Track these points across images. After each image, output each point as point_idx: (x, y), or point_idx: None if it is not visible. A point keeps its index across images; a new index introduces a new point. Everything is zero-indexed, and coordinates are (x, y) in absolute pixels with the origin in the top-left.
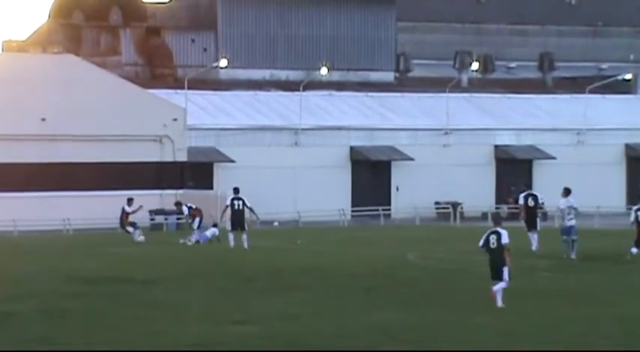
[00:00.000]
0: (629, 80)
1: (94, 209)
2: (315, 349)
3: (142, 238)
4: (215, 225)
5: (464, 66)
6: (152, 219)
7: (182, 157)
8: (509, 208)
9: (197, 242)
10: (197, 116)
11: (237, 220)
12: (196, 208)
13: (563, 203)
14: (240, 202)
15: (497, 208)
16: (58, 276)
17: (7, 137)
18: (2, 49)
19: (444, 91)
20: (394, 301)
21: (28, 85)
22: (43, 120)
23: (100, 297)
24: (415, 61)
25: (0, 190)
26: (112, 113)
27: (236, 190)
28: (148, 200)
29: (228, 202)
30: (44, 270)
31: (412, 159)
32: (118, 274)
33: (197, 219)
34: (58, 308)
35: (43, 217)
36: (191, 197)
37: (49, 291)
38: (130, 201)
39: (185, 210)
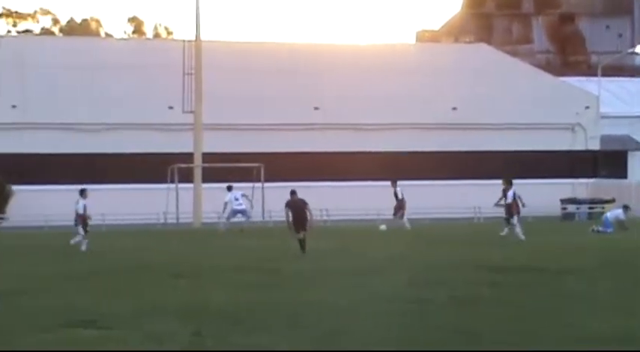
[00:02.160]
0: None
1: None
2: None
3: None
4: (626, 207)
5: None
6: (564, 208)
7: (594, 146)
8: None
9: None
10: (610, 104)
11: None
12: None
13: None
14: None
15: None
16: (469, 264)
17: (417, 126)
18: (416, 39)
19: None
20: None
21: (441, 75)
22: (454, 109)
23: (511, 286)
24: None
25: (411, 178)
26: (524, 102)
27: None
28: (559, 189)
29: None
30: (455, 258)
31: None
32: (529, 263)
33: None
34: (470, 296)
35: (453, 205)
36: (604, 186)
37: (460, 279)
38: None
39: None
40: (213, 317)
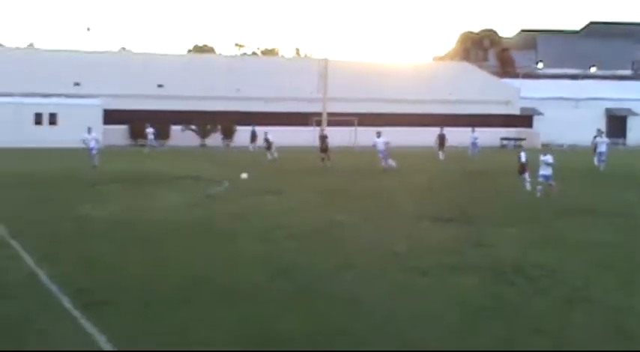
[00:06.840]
0: None
1: None
2: None
3: None
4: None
5: None
6: (503, 144)
7: (517, 112)
8: None
9: None
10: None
11: None
12: None
13: None
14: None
15: None
16: None
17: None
18: None
19: None
20: None
21: None
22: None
23: None
24: None
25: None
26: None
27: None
28: (499, 133)
29: None
30: None
31: None
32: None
33: None
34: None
35: None
36: (521, 133)
37: None
38: None
39: None
40: None
